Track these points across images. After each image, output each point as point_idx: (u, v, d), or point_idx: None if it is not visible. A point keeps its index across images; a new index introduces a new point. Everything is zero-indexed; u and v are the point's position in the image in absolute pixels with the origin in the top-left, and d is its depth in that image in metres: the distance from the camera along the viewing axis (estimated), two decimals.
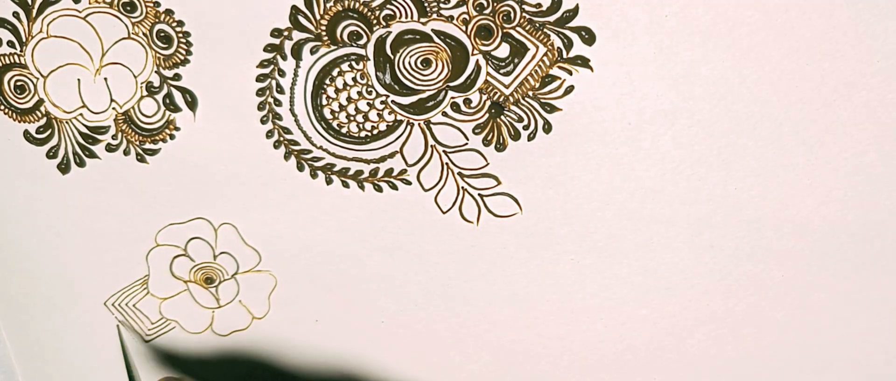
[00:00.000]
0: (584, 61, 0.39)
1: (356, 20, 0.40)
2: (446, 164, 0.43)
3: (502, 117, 0.42)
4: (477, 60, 0.40)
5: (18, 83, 0.44)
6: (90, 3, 0.42)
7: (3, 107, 0.45)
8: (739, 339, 0.47)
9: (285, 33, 0.41)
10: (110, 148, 0.46)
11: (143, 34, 0.42)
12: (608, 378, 0.50)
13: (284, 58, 0.42)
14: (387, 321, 0.50)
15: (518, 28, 0.39)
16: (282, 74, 0.42)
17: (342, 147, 0.44)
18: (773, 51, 0.38)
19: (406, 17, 0.40)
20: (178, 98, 0.44)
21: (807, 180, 0.41)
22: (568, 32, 0.39)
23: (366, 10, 0.40)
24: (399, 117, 0.43)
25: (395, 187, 0.45)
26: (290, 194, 0.46)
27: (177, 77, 0.43)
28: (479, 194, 0.44)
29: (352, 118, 0.43)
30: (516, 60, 0.40)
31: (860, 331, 0.46)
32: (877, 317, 0.45)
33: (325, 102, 0.43)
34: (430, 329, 0.50)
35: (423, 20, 0.40)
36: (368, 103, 0.42)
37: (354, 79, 0.42)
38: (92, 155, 0.46)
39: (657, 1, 0.37)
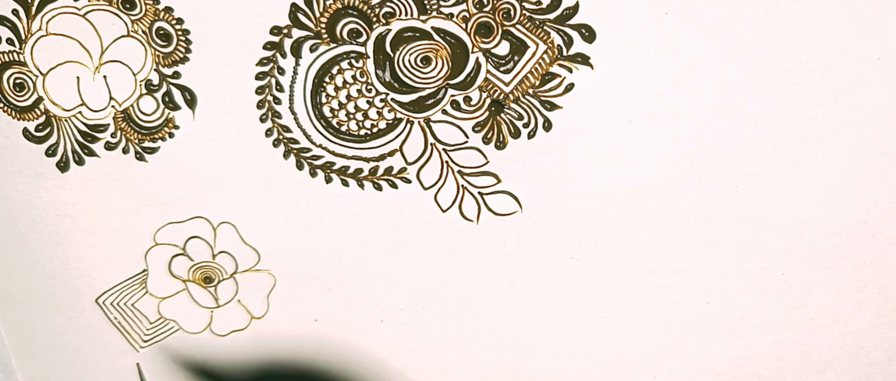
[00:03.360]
0: (584, 59, 0.39)
1: (356, 18, 0.40)
2: (446, 162, 0.43)
3: (502, 115, 0.42)
4: (477, 58, 0.40)
5: (18, 81, 0.44)
6: (89, 1, 0.42)
7: (2, 104, 0.45)
8: (739, 339, 0.47)
9: (285, 31, 0.41)
10: (109, 146, 0.46)
11: (143, 32, 0.42)
12: (608, 378, 0.50)
13: (284, 56, 0.42)
14: (386, 319, 0.50)
15: (518, 25, 0.39)
16: (281, 72, 0.42)
17: (342, 145, 0.44)
18: (774, 49, 0.38)
19: (406, 14, 0.40)
20: (178, 96, 0.44)
21: (807, 179, 0.41)
22: (568, 30, 0.39)
23: (365, 7, 0.40)
24: (399, 115, 0.42)
25: (394, 186, 0.45)
26: (290, 192, 0.46)
27: (176, 75, 0.43)
28: (479, 193, 0.44)
29: (351, 116, 0.43)
30: (516, 58, 0.40)
31: (861, 330, 0.46)
32: (877, 315, 0.45)
33: (324, 99, 0.43)
34: (429, 328, 0.49)
35: (422, 18, 0.40)
36: (368, 101, 0.42)
37: (354, 77, 0.42)
38: (91, 153, 0.46)
39: None
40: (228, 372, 0.52)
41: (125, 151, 0.46)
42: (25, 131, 0.46)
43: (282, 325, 0.51)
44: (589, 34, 0.39)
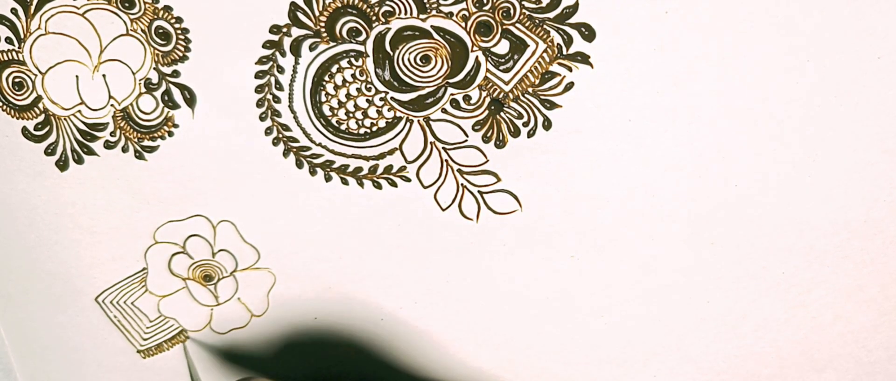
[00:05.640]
0: (584, 58, 0.39)
1: (355, 17, 0.40)
2: (446, 161, 0.43)
3: (502, 114, 0.41)
4: (476, 57, 0.40)
5: (17, 80, 0.44)
6: (88, 0, 0.42)
7: (1, 103, 0.45)
8: (739, 338, 0.47)
9: (284, 30, 0.41)
10: (109, 145, 0.46)
11: (142, 31, 0.42)
12: (608, 377, 0.50)
13: (283, 54, 0.42)
14: (386, 318, 0.50)
15: (518, 24, 0.39)
16: (281, 70, 0.42)
17: (341, 144, 0.44)
18: (774, 47, 0.38)
19: (405, 13, 0.40)
20: (177, 95, 0.44)
21: (807, 177, 0.41)
22: (568, 29, 0.39)
23: (365, 6, 0.40)
24: (398, 114, 0.42)
25: (394, 184, 0.45)
26: (289, 191, 0.46)
27: (175, 74, 0.43)
28: (478, 191, 0.44)
29: (351, 115, 0.43)
30: (516, 57, 0.40)
31: (861, 329, 0.46)
32: (877, 314, 0.45)
33: (324, 98, 0.43)
34: (429, 327, 0.49)
35: (422, 17, 0.40)
36: (368, 100, 0.42)
37: (354, 75, 0.42)
38: (90, 152, 0.46)
39: None
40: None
41: (124, 149, 0.46)
42: (24, 130, 0.46)
43: (281, 323, 0.51)
44: (589, 33, 0.39)
